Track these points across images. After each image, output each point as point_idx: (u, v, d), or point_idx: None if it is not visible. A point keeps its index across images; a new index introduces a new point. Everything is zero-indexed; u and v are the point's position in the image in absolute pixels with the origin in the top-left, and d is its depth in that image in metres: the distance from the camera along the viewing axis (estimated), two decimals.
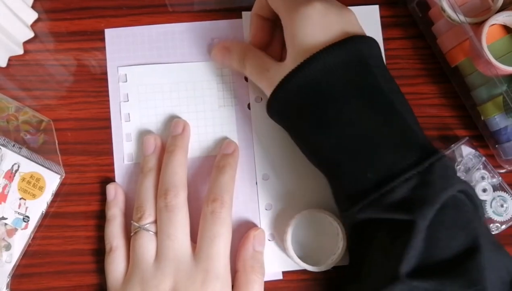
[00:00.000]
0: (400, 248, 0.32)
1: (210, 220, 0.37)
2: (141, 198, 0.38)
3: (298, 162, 0.41)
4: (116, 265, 0.38)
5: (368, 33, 0.43)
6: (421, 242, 0.31)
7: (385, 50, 0.44)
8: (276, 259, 0.41)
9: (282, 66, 0.36)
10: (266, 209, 0.42)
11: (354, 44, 0.34)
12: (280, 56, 0.41)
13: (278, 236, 0.41)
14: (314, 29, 0.34)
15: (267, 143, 0.42)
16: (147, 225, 0.37)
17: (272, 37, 0.41)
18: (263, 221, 0.42)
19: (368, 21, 0.43)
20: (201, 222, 0.37)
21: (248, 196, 0.42)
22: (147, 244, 0.37)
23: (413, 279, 0.31)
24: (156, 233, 0.37)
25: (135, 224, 0.38)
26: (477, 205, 0.35)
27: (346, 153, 0.34)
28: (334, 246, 0.40)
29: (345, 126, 0.34)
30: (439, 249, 0.32)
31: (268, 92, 0.37)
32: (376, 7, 0.44)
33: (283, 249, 0.41)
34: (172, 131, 0.41)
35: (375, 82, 0.34)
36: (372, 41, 0.36)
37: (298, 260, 0.39)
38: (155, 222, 0.38)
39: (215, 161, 0.40)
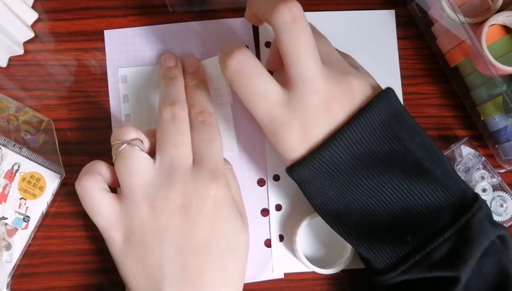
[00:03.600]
0: None
1: (203, 127, 0.36)
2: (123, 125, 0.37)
3: None
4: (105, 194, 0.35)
5: (383, 37, 0.43)
6: None
7: None
8: (283, 261, 0.41)
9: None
10: (276, 210, 0.42)
11: (371, 113, 0.33)
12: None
13: (287, 237, 0.42)
14: (296, 147, 0.34)
15: None
16: (134, 141, 0.35)
17: None
18: (273, 221, 0.42)
19: (384, 25, 0.44)
20: (193, 132, 0.36)
21: (251, 196, 0.42)
22: (139, 158, 0.35)
23: None
24: (143, 150, 0.35)
25: (117, 143, 0.35)
26: (509, 246, 0.35)
27: (382, 220, 0.34)
28: (342, 249, 0.40)
29: (375, 197, 0.34)
30: None
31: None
32: (393, 11, 0.44)
33: (292, 250, 0.41)
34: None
35: (400, 145, 0.34)
36: (388, 97, 0.34)
37: (307, 262, 0.39)
38: (140, 141, 0.36)
39: (186, 78, 0.40)
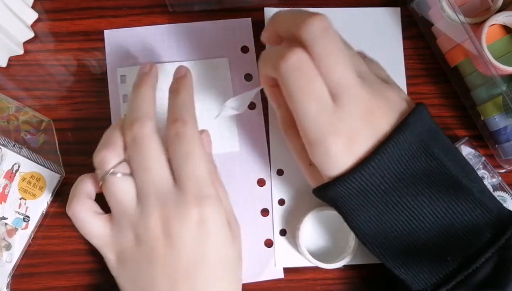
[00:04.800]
0: None
1: (177, 141, 0.34)
2: (103, 141, 0.35)
3: None
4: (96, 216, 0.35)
5: (388, 34, 0.43)
6: None
7: None
8: (285, 255, 0.41)
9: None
10: (279, 204, 0.42)
11: (404, 135, 0.32)
12: None
13: (290, 232, 0.42)
14: (341, 159, 0.32)
15: (283, 139, 0.42)
16: (116, 168, 0.34)
17: None
18: (276, 216, 0.42)
19: (390, 23, 0.44)
20: (169, 147, 0.34)
21: (251, 196, 0.42)
22: (122, 187, 0.34)
23: None
24: (127, 174, 0.34)
25: (100, 172, 0.34)
26: None
27: (420, 241, 0.33)
28: (345, 244, 0.40)
29: (414, 217, 0.33)
30: None
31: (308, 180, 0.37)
32: (398, 9, 0.45)
33: (295, 245, 0.41)
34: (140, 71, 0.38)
35: (437, 161, 0.33)
36: (418, 114, 0.33)
37: (310, 257, 0.39)
38: (124, 162, 0.35)
39: (169, 86, 0.37)
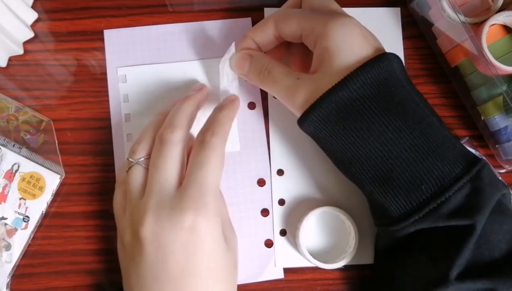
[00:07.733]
0: (453, 252, 0.33)
1: (199, 148, 0.35)
2: (140, 135, 0.38)
3: (314, 159, 0.42)
4: (115, 197, 0.38)
5: (389, 34, 0.45)
6: (472, 245, 0.33)
7: None
8: (285, 255, 0.41)
9: (316, 80, 0.35)
10: (279, 204, 0.42)
11: (388, 60, 0.34)
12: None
13: (290, 232, 0.42)
14: (353, 43, 0.35)
15: (283, 139, 0.43)
16: (141, 159, 0.36)
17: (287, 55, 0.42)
18: (276, 215, 0.42)
19: (390, 22, 0.44)
20: (190, 154, 0.36)
21: (251, 196, 0.42)
22: (136, 177, 0.36)
23: (463, 281, 0.32)
24: (146, 168, 0.36)
25: (129, 159, 0.37)
26: None
27: (394, 167, 0.34)
28: (345, 244, 0.40)
29: (389, 141, 0.34)
30: (489, 250, 0.33)
31: (298, 104, 0.36)
32: (398, 9, 0.45)
33: (294, 244, 0.41)
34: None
35: (409, 96, 0.35)
36: (398, 57, 0.36)
37: (310, 257, 0.39)
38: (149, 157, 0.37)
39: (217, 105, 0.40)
